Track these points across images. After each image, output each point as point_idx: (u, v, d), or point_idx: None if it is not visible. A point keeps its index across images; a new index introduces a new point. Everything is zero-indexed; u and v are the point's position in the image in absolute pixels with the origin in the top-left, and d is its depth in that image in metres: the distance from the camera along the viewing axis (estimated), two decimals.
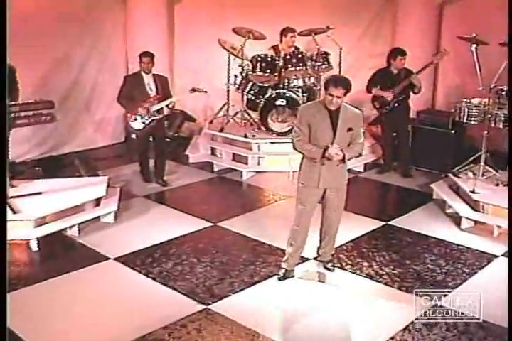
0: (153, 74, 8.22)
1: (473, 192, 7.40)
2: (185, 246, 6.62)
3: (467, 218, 7.18)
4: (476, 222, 7.20)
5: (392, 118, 8.92)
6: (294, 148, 5.63)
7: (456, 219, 7.33)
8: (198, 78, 10.29)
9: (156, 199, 8.16)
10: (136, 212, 7.59)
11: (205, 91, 8.36)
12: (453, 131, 8.84)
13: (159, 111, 8.21)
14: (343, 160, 5.47)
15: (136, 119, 8.18)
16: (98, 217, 7.21)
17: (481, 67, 7.52)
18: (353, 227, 6.91)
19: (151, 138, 8.56)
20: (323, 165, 5.54)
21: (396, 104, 8.76)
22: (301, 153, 5.65)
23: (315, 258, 6.24)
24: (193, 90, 8.27)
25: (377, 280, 5.90)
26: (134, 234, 6.93)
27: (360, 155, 6.84)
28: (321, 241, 6.09)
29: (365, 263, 6.25)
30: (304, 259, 6.19)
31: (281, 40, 9.69)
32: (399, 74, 8.72)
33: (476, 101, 7.85)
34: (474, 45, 7.44)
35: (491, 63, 7.67)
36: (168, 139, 10.17)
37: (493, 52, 7.74)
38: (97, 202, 7.39)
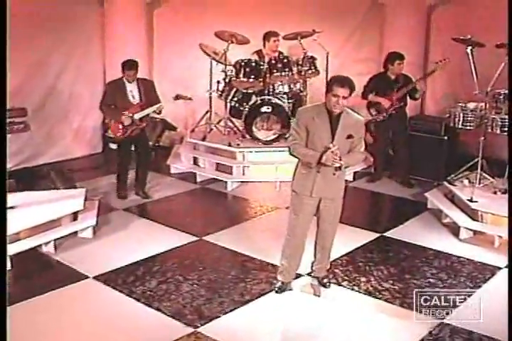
0: (138, 80, 7.77)
1: (471, 200, 7.07)
2: (170, 262, 6.19)
3: (466, 228, 6.85)
4: (475, 232, 6.88)
5: (388, 126, 8.54)
6: (290, 152, 5.24)
7: (454, 229, 7.01)
8: (179, 85, 9.89)
9: (137, 212, 7.74)
10: (116, 226, 7.15)
11: (190, 99, 7.98)
12: (446, 138, 8.52)
13: (142, 119, 7.76)
14: (340, 167, 5.08)
15: (118, 128, 7.71)
16: (76, 232, 6.77)
17: (476, 70, 7.19)
18: (346, 240, 6.53)
19: (133, 148, 8.12)
20: (319, 172, 5.18)
21: (394, 111, 8.39)
22: (296, 157, 5.27)
23: (309, 274, 5.85)
24: (177, 97, 7.83)
25: (376, 297, 5.53)
26: (115, 250, 6.51)
27: None
28: (315, 256, 5.69)
29: (363, 279, 5.87)
30: (298, 275, 5.78)
31: (264, 45, 9.32)
32: (397, 79, 8.35)
33: (471, 105, 7.51)
34: (470, 47, 7.11)
35: (486, 66, 7.35)
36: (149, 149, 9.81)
37: (488, 54, 7.41)
38: (75, 216, 6.96)
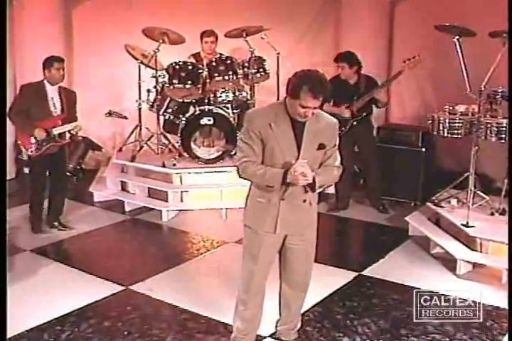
0: (60, 87, 6.33)
1: (466, 225, 5.70)
2: (85, 325, 4.57)
3: (464, 261, 5.47)
4: (474, 264, 5.53)
5: (351, 141, 6.99)
6: (240, 174, 3.75)
7: (447, 262, 5.67)
8: (104, 95, 8.40)
9: (48, 253, 6.10)
10: (19, 274, 5.48)
11: (125, 117, 6.65)
12: (423, 149, 7.17)
13: (61, 135, 6.31)
14: (313, 187, 3.64)
15: (30, 142, 6.26)
16: None
17: (466, 65, 5.85)
18: (316, 283, 4.96)
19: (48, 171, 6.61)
20: (283, 200, 3.71)
21: (355, 123, 6.93)
22: (250, 180, 3.80)
23: (273, 337, 4.32)
24: (109, 114, 6.52)
25: None
26: (13, 309, 4.75)
27: None
28: (281, 313, 4.19)
29: (346, 339, 4.37)
30: (258, 338, 4.25)
31: (202, 47, 7.87)
32: (357, 84, 6.89)
33: (461, 108, 6.11)
34: (457, 37, 5.76)
35: (476, 60, 6.05)
36: (68, 173, 8.24)
37: (476, 46, 6.12)
38: None
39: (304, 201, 3.77)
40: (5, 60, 4.94)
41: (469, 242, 5.66)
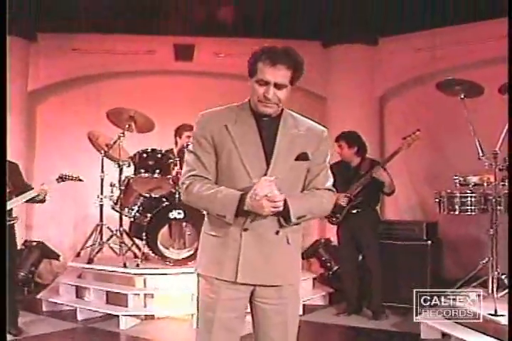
0: None
1: (495, 314, 4.59)
2: None
3: None
4: None
5: (351, 233, 6.04)
6: (183, 197, 2.81)
7: None
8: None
9: None
10: None
11: (80, 180, 5.87)
12: (429, 242, 6.17)
13: (10, 212, 5.41)
14: (286, 217, 2.65)
15: None
16: None
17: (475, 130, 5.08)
18: None
19: None
20: (246, 231, 2.69)
21: (354, 211, 5.95)
22: (197, 207, 2.88)
23: None
24: (61, 178, 5.72)
25: None
26: None
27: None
28: None
29: None
30: None
31: (176, 143, 7.05)
32: (359, 166, 6.05)
33: (474, 179, 5.19)
34: (463, 94, 5.05)
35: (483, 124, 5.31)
36: (19, 283, 7.07)
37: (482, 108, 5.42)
38: None
39: (277, 233, 2.72)
40: (5, 67, 4.46)
41: (501, 334, 4.53)
